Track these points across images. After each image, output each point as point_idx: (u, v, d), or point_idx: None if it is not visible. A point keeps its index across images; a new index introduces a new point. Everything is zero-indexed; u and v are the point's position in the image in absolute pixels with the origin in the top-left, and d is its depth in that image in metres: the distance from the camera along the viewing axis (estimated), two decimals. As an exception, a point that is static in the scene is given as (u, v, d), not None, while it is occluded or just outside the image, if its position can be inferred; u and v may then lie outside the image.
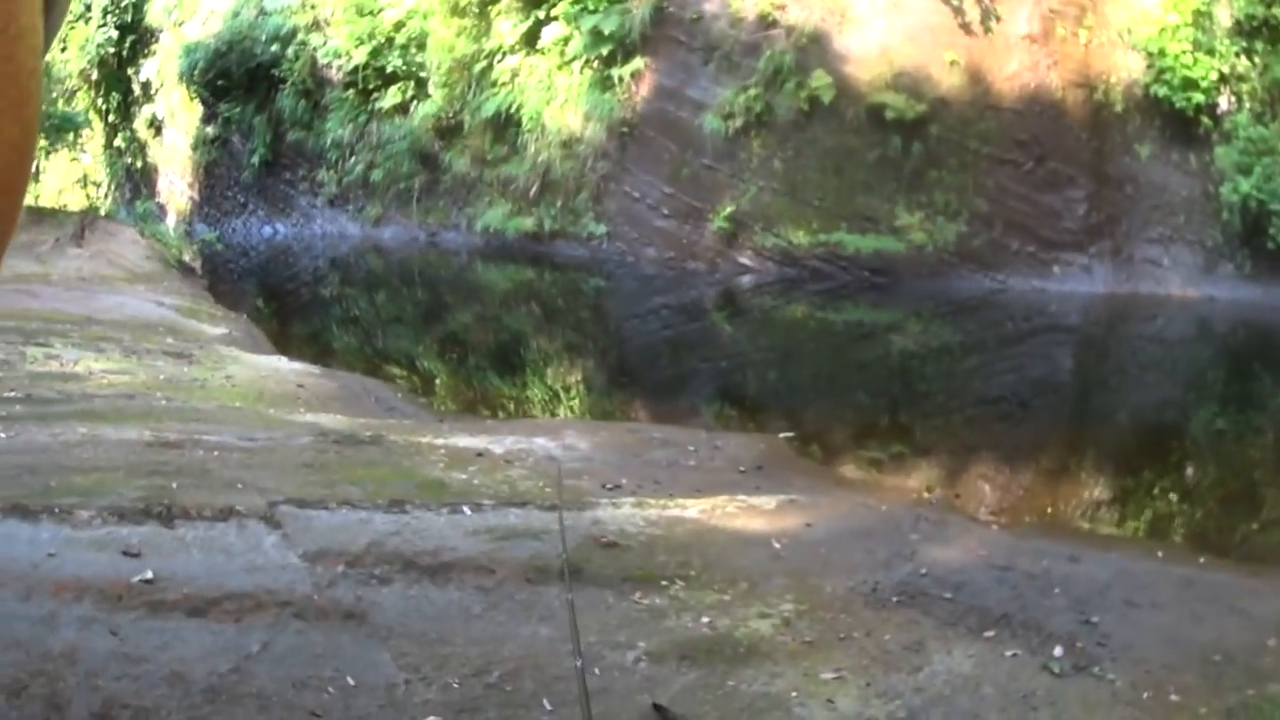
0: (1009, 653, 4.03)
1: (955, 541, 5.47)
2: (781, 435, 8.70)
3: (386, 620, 3.70)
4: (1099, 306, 14.55)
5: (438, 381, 12.39)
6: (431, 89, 18.36)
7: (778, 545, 4.90)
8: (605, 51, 16.31)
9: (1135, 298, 14.56)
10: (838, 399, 11.79)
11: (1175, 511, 8.54)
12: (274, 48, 20.07)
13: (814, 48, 15.19)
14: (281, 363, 10.21)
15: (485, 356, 13.61)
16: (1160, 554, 6.45)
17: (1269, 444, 10.91)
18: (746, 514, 5.36)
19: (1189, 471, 9.69)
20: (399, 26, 18.70)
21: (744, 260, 15.46)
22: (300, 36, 19.81)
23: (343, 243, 19.67)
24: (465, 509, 4.90)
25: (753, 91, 15.32)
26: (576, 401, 11.54)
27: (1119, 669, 3.90)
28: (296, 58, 19.83)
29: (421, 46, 18.49)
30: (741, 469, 6.96)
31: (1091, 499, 8.73)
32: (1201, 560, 6.40)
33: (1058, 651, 4.03)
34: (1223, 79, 14.47)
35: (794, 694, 3.56)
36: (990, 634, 4.19)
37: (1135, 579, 5.19)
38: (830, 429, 10.33)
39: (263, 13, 20.39)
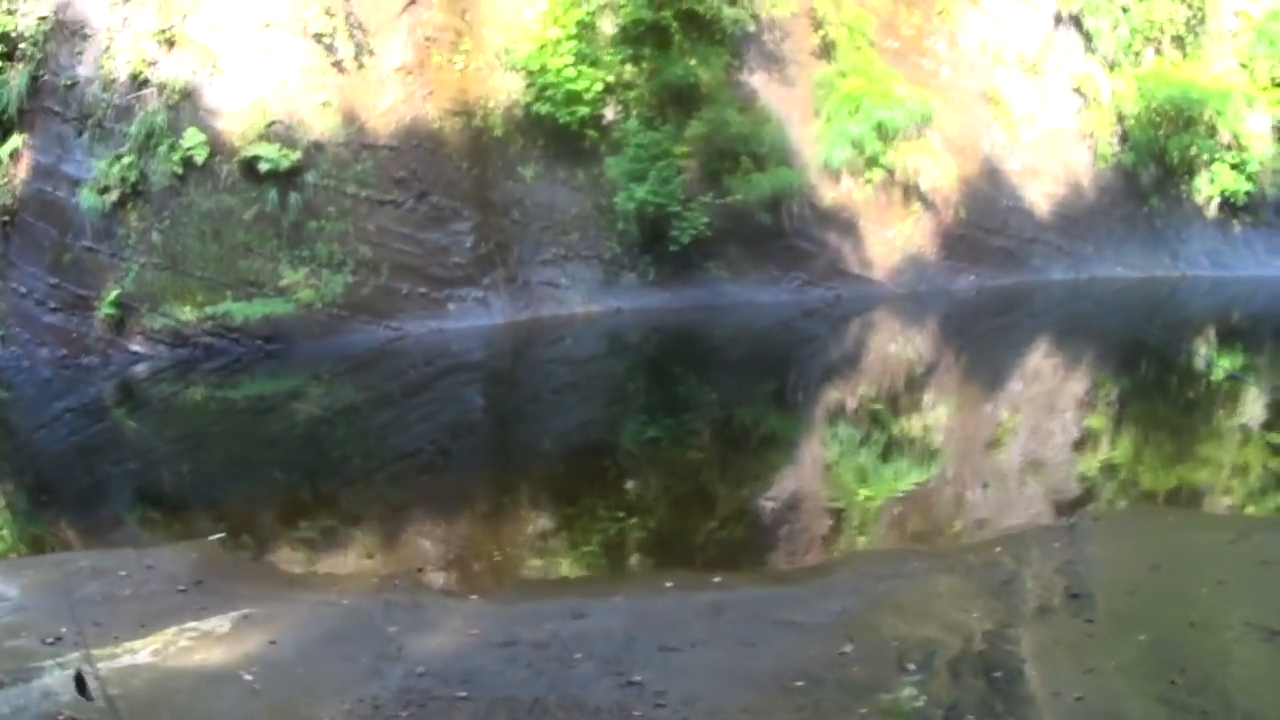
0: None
1: (439, 625, 5.20)
2: (212, 538, 8.07)
3: None
4: (501, 337, 13.45)
5: None
6: None
7: (249, 677, 4.44)
8: (-15, 133, 14.67)
9: (538, 322, 13.52)
10: (256, 482, 10.83)
11: (651, 532, 7.90)
12: None
13: (187, 105, 13.83)
14: None
15: None
16: (669, 584, 6.13)
17: (706, 443, 10.32)
18: (203, 645, 4.87)
19: (640, 486, 9.13)
20: None
21: (136, 347, 13.84)
22: None
23: None
24: None
25: (126, 160, 13.84)
26: (3, 532, 10.06)
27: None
28: None
29: None
30: (180, 587, 6.48)
31: (556, 539, 8.03)
32: (716, 580, 6.12)
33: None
34: (608, 89, 13.66)
35: None
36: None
37: (657, 620, 5.02)
38: (258, 517, 9.40)
39: None
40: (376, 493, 9.77)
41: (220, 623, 5.25)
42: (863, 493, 8.72)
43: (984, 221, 15.28)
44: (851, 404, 11.53)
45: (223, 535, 8.15)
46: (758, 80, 14.28)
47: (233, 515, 9.52)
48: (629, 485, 9.23)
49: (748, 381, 12.35)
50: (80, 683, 3.26)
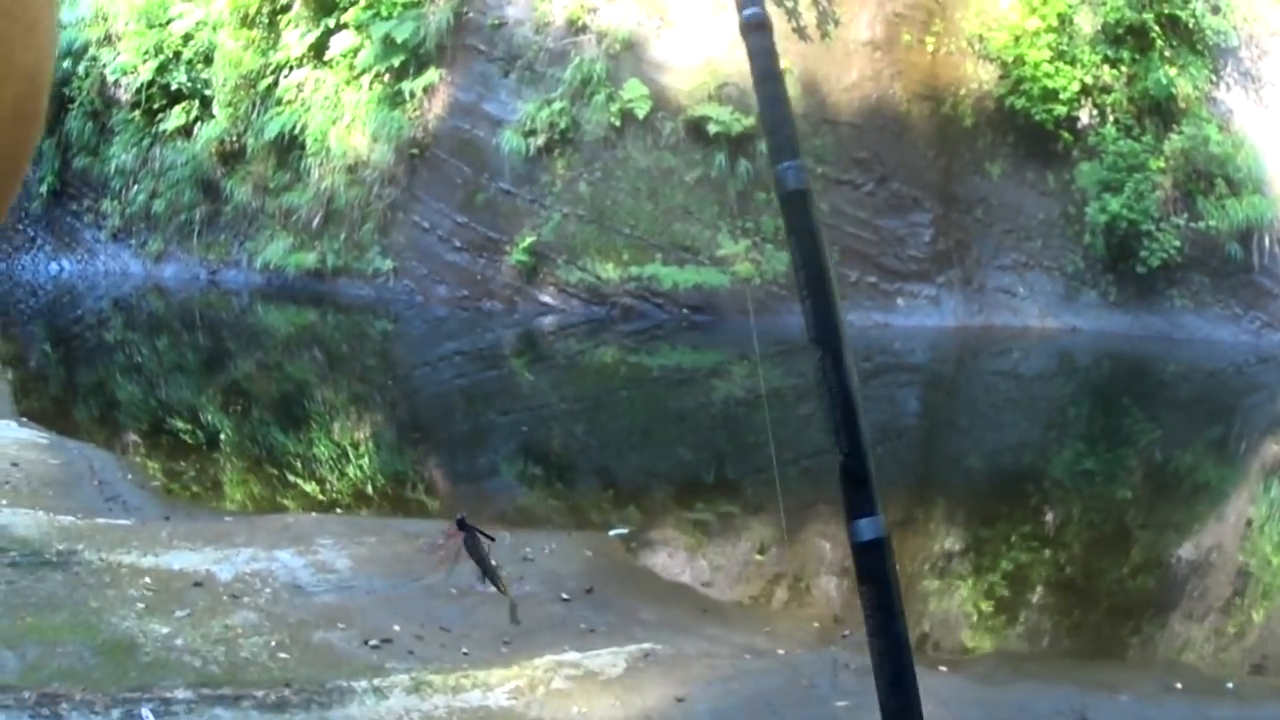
0: None
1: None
2: (612, 533, 6.83)
3: None
4: (948, 341, 12.56)
5: (188, 452, 10.49)
6: (216, 109, 16.06)
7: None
8: (397, 63, 14.15)
9: (989, 330, 12.59)
10: (662, 461, 10.08)
11: (1135, 603, 6.80)
12: (65, 64, 17.66)
13: (628, 56, 13.17)
14: (5, 430, 8.22)
15: (256, 415, 11.94)
16: (1178, 684, 5.01)
17: (1174, 494, 9.31)
18: (586, 689, 3.58)
19: (1116, 536, 7.95)
20: (187, 39, 16.37)
21: (546, 298, 13.22)
22: (91, 51, 17.45)
23: (125, 282, 17.30)
24: (145, 712, 3.20)
25: (557, 105, 13.22)
26: (353, 472, 9.81)
27: None
28: (86, 75, 17.47)
29: (209, 61, 16.21)
30: (565, 595, 5.09)
31: (1018, 591, 6.86)
32: (1230, 686, 5.12)
33: None
34: (1084, 90, 12.72)
35: None
36: None
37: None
38: (664, 511, 8.55)
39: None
40: (796, 497, 8.57)
41: (613, 660, 4.00)
42: None
43: None
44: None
45: (626, 531, 6.90)
46: (1234, 99, 13.25)
47: (633, 501, 8.78)
48: (1094, 534, 8.09)
49: (1197, 427, 11.41)
50: None
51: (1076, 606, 6.61)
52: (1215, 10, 13.06)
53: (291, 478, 9.60)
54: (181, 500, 8.54)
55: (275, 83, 15.35)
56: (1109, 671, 5.36)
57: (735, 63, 12.83)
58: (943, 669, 4.97)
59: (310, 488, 9.22)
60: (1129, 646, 6.13)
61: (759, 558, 7.67)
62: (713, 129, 12.58)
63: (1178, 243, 12.43)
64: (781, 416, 11.72)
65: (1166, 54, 12.83)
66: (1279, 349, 13.08)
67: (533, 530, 6.79)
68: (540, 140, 13.21)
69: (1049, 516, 8.47)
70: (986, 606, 6.54)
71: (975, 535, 7.95)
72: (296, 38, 15.15)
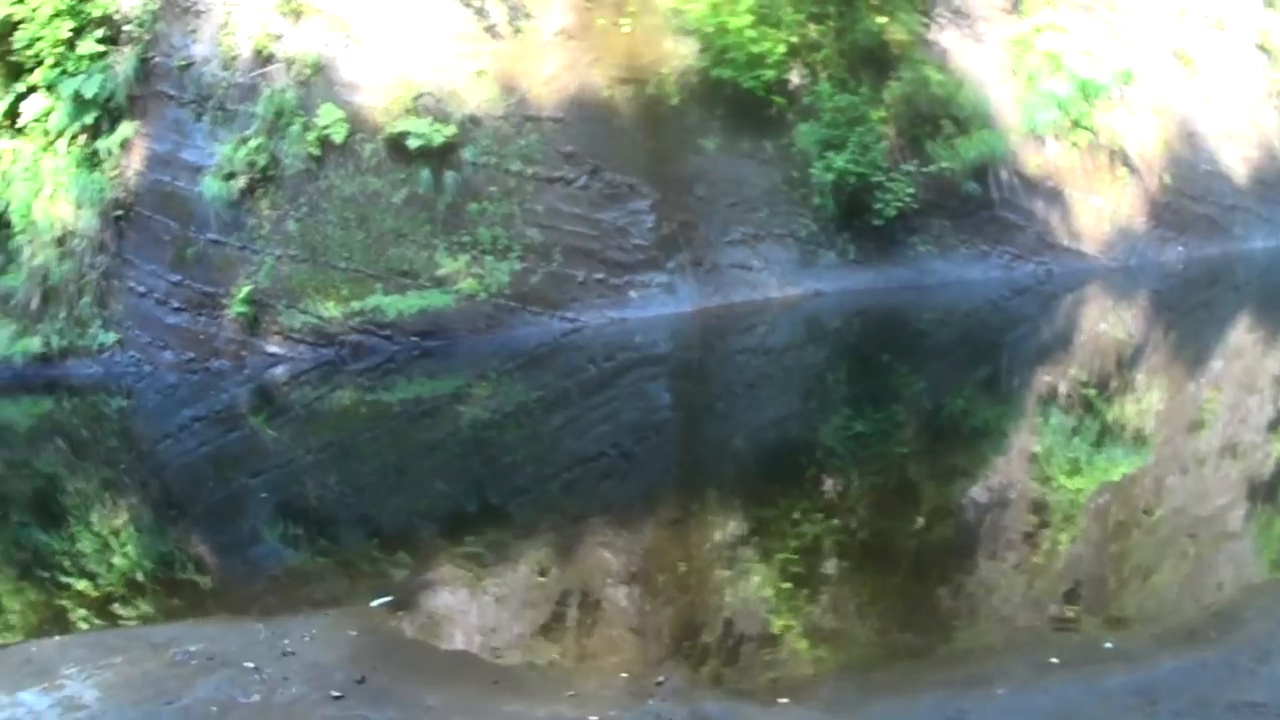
0: None
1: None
2: (375, 603, 6.11)
3: None
4: (689, 327, 12.06)
5: None
6: (-92, 195, 14.94)
7: None
8: (90, 120, 13.21)
9: (730, 309, 12.11)
10: (418, 499, 9.55)
11: (949, 571, 6.16)
12: None
13: (319, 80, 12.43)
14: None
15: (3, 521, 10.70)
16: (1053, 659, 4.65)
17: (952, 444, 8.95)
18: None
19: (898, 501, 7.43)
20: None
21: (273, 348, 12.42)
22: None
23: None
24: None
25: (254, 142, 12.43)
26: (104, 570, 8.86)
27: None
28: None
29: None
30: (335, 693, 4.53)
31: (823, 586, 6.21)
32: (1109, 645, 4.82)
33: None
34: (792, 51, 12.30)
35: None
36: None
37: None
38: (429, 558, 7.87)
39: None
40: (567, 515, 8.22)
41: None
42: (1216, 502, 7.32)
43: (1187, 188, 13.95)
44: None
45: (389, 599, 6.24)
46: (948, 39, 12.96)
47: (395, 551, 8.25)
48: (889, 503, 7.64)
49: (963, 370, 11.07)
50: None
51: (903, 594, 5.92)
52: (918, -49, 12.76)
53: (41, 588, 8.82)
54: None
55: (-28, 159, 14.32)
56: (973, 663, 4.77)
57: (429, 71, 12.21)
58: (783, 701, 4.46)
59: (61, 596, 8.45)
60: (981, 627, 5.47)
61: (544, 603, 7.02)
62: (413, 143, 11.91)
63: (911, 189, 12.09)
64: (533, 431, 11.16)
65: (873, 2, 12.47)
66: (1032, 279, 12.82)
67: (290, 616, 6.15)
68: (242, 182, 12.42)
69: (838, 494, 7.97)
70: (808, 615, 5.81)
71: (767, 531, 7.33)
72: (-12, 108, 14.15)
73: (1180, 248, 13.76)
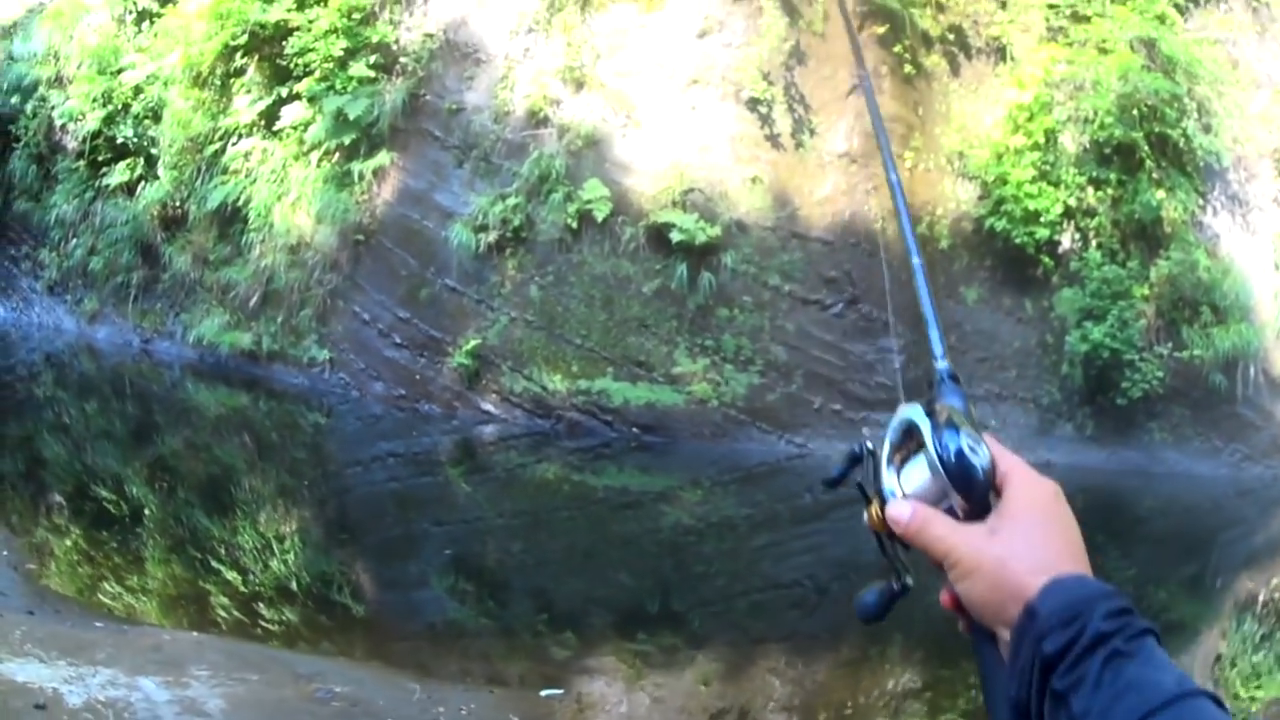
0: None
1: None
2: (544, 694, 6.07)
3: None
4: (918, 480, 11.93)
5: (84, 533, 9.82)
6: (161, 170, 15.26)
7: None
8: (348, 141, 13.38)
9: (959, 468, 11.97)
10: (601, 587, 9.60)
11: None
12: (14, 100, 16.87)
13: (590, 153, 12.44)
14: None
15: (173, 499, 11.20)
16: None
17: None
18: None
19: None
20: (137, 92, 15.56)
21: (488, 406, 12.47)
22: (41, 91, 16.62)
23: (58, 337, 16.58)
24: None
25: (512, 201, 12.48)
26: (262, 576, 9.04)
27: None
28: (34, 115, 16.65)
29: (157, 118, 15.41)
30: None
31: None
32: None
33: None
34: (1068, 213, 12.08)
35: None
36: None
37: None
38: (597, 655, 7.92)
39: (9, 58, 17.13)
40: (747, 635, 8.40)
41: None
42: None
43: None
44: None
45: (560, 692, 6.15)
46: (1221, 223, 12.64)
47: (562, 631, 8.28)
48: None
49: (1171, 564, 10.90)
50: None
51: None
52: (1207, 129, 12.45)
53: (190, 576, 8.96)
54: (54, 592, 7.89)
55: (223, 149, 14.58)
56: None
57: (703, 168, 12.17)
58: None
59: (208, 590, 8.57)
60: None
61: (702, 716, 7.07)
62: (676, 237, 11.87)
63: (1160, 373, 11.81)
64: (734, 547, 11.12)
65: (1155, 175, 12.21)
66: (1258, 482, 12.52)
67: (449, 684, 6.00)
68: (491, 237, 12.48)
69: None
70: None
71: (938, 690, 7.37)
72: (247, 104, 14.38)
73: None
